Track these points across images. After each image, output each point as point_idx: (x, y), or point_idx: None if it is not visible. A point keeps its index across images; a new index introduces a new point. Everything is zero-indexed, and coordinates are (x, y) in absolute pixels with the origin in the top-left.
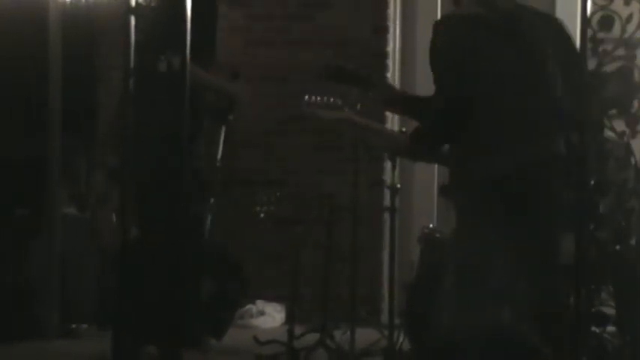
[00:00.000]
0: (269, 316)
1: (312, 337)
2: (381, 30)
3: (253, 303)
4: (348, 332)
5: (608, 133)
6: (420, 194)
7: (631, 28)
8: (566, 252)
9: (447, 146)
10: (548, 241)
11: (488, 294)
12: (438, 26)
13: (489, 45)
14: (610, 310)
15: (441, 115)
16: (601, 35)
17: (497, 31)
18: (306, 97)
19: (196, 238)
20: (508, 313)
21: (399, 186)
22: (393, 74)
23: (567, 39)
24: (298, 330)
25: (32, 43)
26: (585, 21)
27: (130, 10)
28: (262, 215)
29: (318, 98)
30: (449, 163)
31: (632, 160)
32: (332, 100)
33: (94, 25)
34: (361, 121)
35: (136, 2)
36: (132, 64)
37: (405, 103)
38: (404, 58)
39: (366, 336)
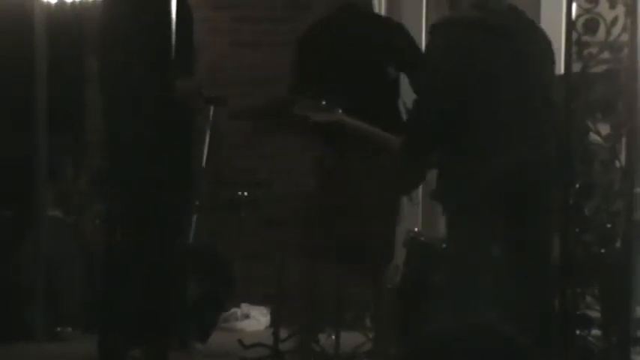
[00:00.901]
0: (254, 320)
1: (297, 341)
2: None
3: (238, 306)
4: (333, 336)
5: (594, 136)
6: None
7: (616, 31)
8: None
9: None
10: (543, 243)
11: (481, 296)
12: (434, 30)
13: (486, 48)
14: (595, 314)
15: (435, 118)
16: (586, 38)
17: (495, 34)
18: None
19: (182, 240)
20: (500, 315)
21: None
22: None
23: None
24: (283, 333)
25: (18, 44)
26: (570, 24)
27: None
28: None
29: (310, 100)
30: (441, 166)
31: (617, 163)
32: (324, 102)
33: (82, 27)
34: (353, 122)
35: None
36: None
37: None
38: None
39: (351, 339)
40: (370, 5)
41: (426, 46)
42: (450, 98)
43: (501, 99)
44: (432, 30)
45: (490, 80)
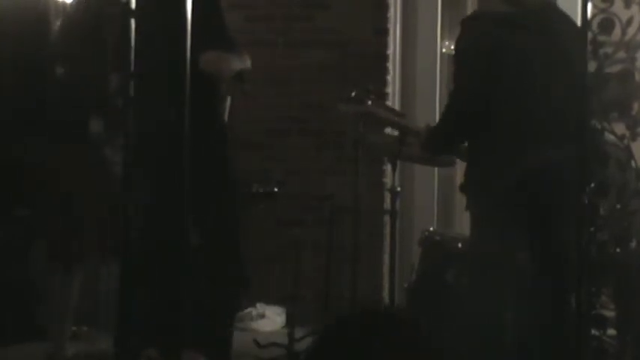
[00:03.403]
0: (269, 319)
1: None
2: (381, 32)
3: (253, 306)
4: None
5: (609, 136)
6: (421, 197)
7: (631, 30)
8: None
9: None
10: (565, 244)
11: (501, 297)
12: (463, 24)
13: (515, 45)
14: (610, 313)
15: (458, 116)
16: (601, 38)
17: (525, 30)
18: None
19: (198, 239)
20: (515, 318)
21: (399, 189)
22: (394, 77)
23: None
24: (299, 333)
25: (33, 44)
26: (585, 24)
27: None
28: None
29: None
30: (471, 160)
31: (633, 163)
32: (353, 93)
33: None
34: (382, 114)
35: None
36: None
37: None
38: (404, 60)
39: None
40: None
41: (456, 41)
42: (475, 95)
43: (534, 97)
44: (461, 24)
45: (521, 78)
